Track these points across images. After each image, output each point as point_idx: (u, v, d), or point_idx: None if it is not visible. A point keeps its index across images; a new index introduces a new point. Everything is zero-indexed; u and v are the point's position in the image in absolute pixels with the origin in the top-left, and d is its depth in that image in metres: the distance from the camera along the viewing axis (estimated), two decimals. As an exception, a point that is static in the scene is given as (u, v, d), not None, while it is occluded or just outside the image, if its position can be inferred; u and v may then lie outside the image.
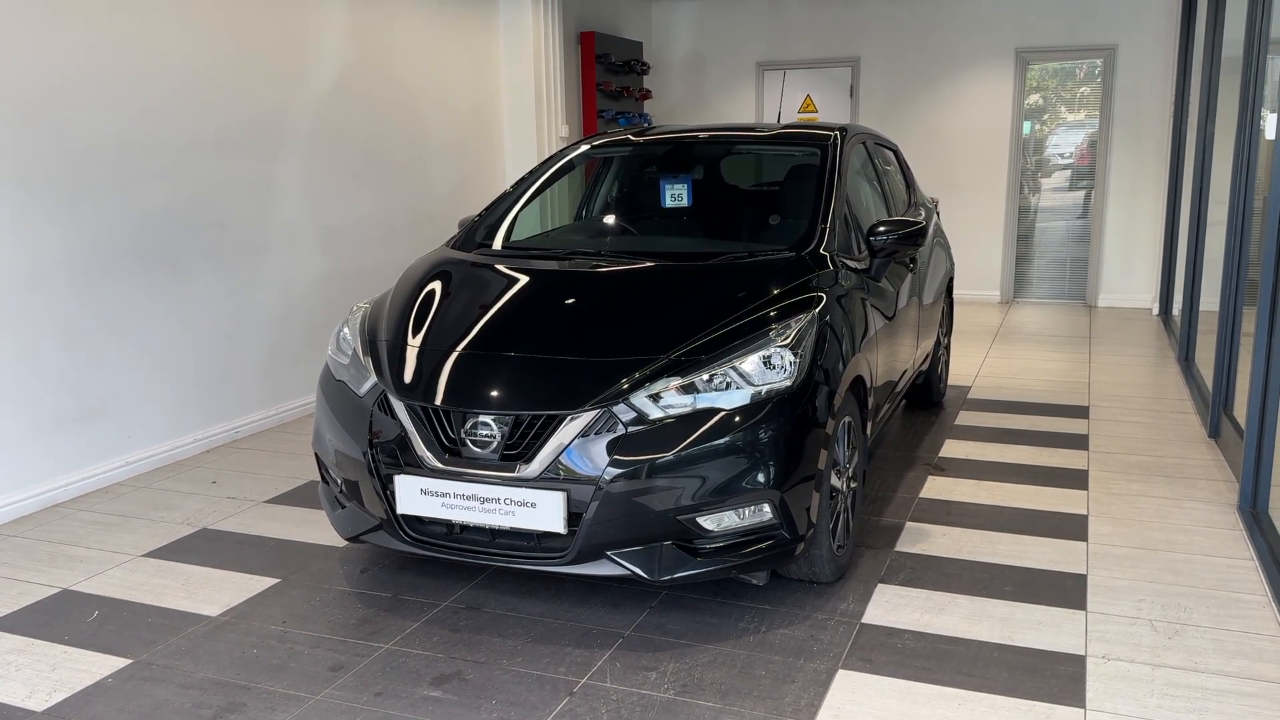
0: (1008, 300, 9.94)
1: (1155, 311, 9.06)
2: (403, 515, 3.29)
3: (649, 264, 3.84)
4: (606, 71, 9.30)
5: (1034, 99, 9.80)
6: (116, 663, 3.13)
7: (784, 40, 10.26)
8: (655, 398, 3.13)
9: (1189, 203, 7.23)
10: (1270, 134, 4.07)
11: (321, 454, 3.61)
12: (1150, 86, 9.08)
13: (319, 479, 3.72)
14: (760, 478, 3.11)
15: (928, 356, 5.46)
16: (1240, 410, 4.78)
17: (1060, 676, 2.94)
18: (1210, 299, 6.35)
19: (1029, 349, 7.66)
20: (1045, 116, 9.89)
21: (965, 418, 5.73)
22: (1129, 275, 9.49)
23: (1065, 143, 9.88)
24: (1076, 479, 4.65)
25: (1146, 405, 5.93)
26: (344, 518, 3.51)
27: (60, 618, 3.44)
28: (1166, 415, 5.71)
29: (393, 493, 3.27)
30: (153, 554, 3.97)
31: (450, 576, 3.68)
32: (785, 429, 3.16)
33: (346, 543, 3.88)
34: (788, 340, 3.28)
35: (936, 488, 4.57)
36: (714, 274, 3.75)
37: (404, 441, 3.26)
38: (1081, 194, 9.77)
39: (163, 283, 5.02)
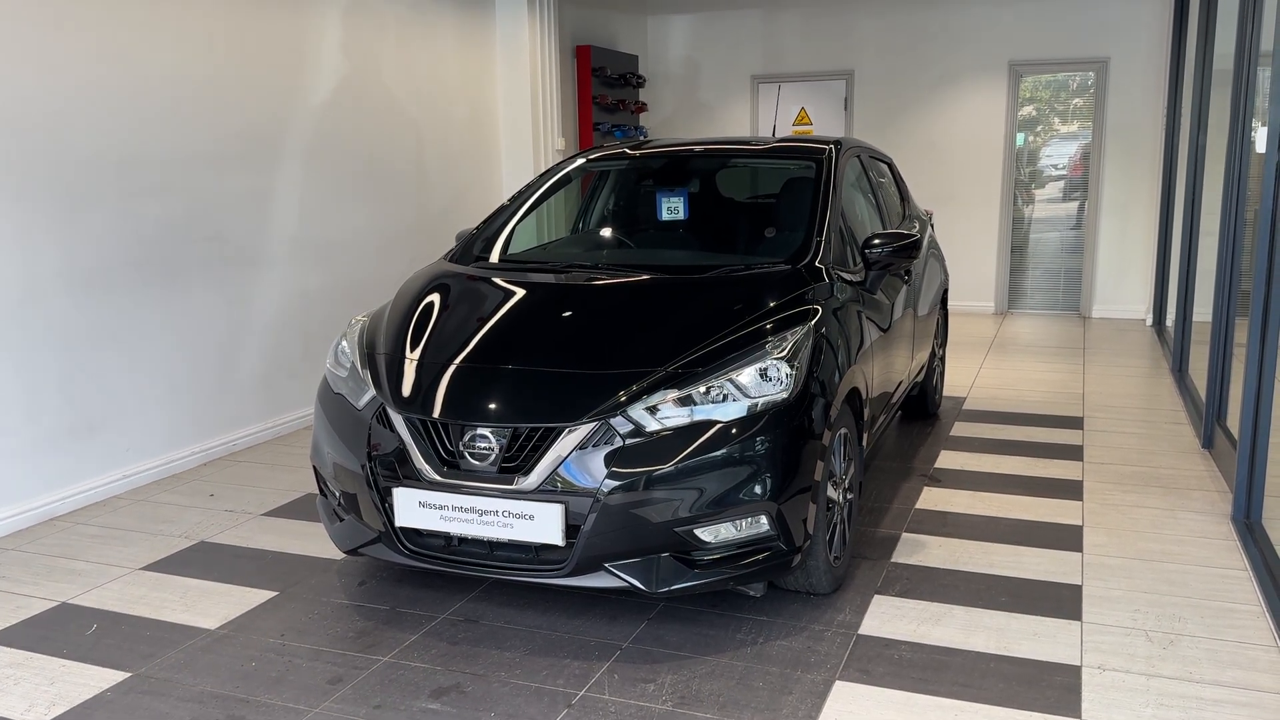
0: (1002, 311, 9.97)
1: (1149, 322, 9.10)
2: (401, 528, 3.29)
3: (645, 277, 3.87)
4: (602, 84, 9.35)
5: (1027, 111, 9.85)
6: (115, 676, 3.13)
7: (779, 53, 10.32)
8: (652, 410, 3.15)
9: (1181, 214, 7.28)
10: (1261, 146, 4.11)
11: (320, 467, 3.62)
12: (1142, 98, 9.14)
13: (317, 492, 3.73)
14: (757, 489, 3.13)
15: (923, 368, 5.48)
16: (1233, 421, 4.81)
17: (1056, 687, 2.96)
18: (1203, 310, 6.39)
19: (1023, 360, 7.69)
20: (1039, 128, 9.95)
21: (960, 429, 5.75)
22: (1122, 286, 9.53)
23: (1058, 154, 9.95)
24: (1071, 490, 4.67)
25: (1140, 416, 5.96)
26: (342, 530, 3.52)
27: (59, 631, 3.44)
28: (1160, 426, 5.74)
29: (391, 505, 3.28)
30: (151, 567, 3.97)
31: (448, 589, 3.69)
32: (781, 441, 3.18)
33: (345, 555, 3.88)
34: (784, 353, 3.30)
35: (932, 499, 4.58)
36: (710, 287, 3.77)
37: (402, 454, 3.28)
38: (1075, 205, 9.83)
39: (160, 295, 5.03)
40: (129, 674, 3.14)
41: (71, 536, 4.31)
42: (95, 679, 3.12)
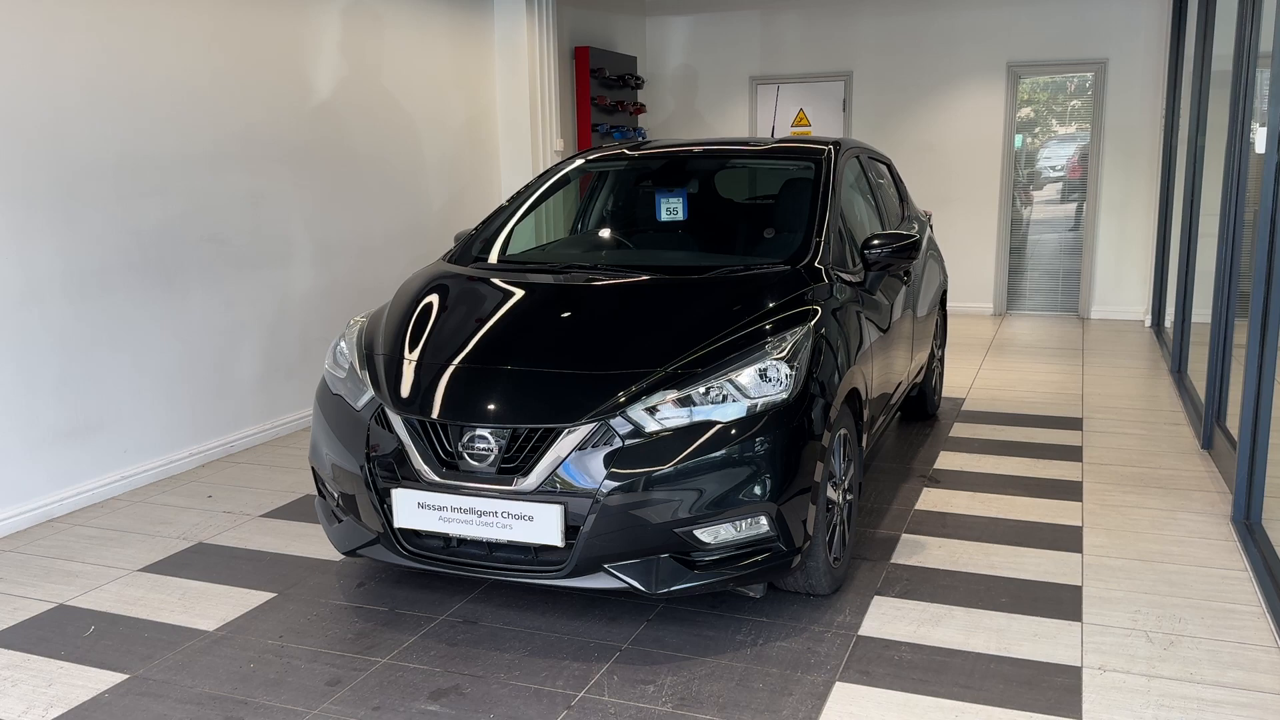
0: (1000, 313, 9.97)
1: (1147, 323, 9.10)
2: (400, 529, 3.29)
3: (645, 277, 3.86)
4: (601, 86, 9.34)
5: (1025, 112, 9.86)
6: (113, 678, 3.12)
7: (777, 55, 10.32)
8: (652, 410, 3.14)
9: (1180, 215, 7.28)
10: (1260, 148, 4.11)
11: (318, 468, 3.61)
12: (1141, 100, 9.15)
13: (315, 493, 3.72)
14: (757, 490, 3.12)
15: (922, 369, 5.48)
16: (1232, 422, 4.80)
17: (1056, 688, 2.95)
18: (1202, 311, 6.38)
19: (1022, 361, 7.69)
20: (1036, 130, 9.95)
21: (960, 430, 5.75)
22: (1121, 287, 9.53)
23: (1056, 156, 9.94)
24: (1071, 491, 4.66)
25: (1140, 417, 5.96)
26: (341, 532, 3.51)
27: (56, 633, 3.43)
28: (1160, 427, 5.73)
29: (390, 506, 3.27)
30: (149, 569, 3.96)
31: (447, 590, 3.68)
32: (781, 441, 3.17)
33: (343, 557, 3.87)
34: (783, 353, 3.29)
35: (932, 500, 4.58)
36: (709, 287, 3.76)
37: (401, 455, 3.27)
38: (1073, 207, 9.82)
39: (158, 297, 5.02)
40: (127, 676, 3.13)
41: (69, 538, 4.30)
42: (93, 681, 3.11)
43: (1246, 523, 4.11)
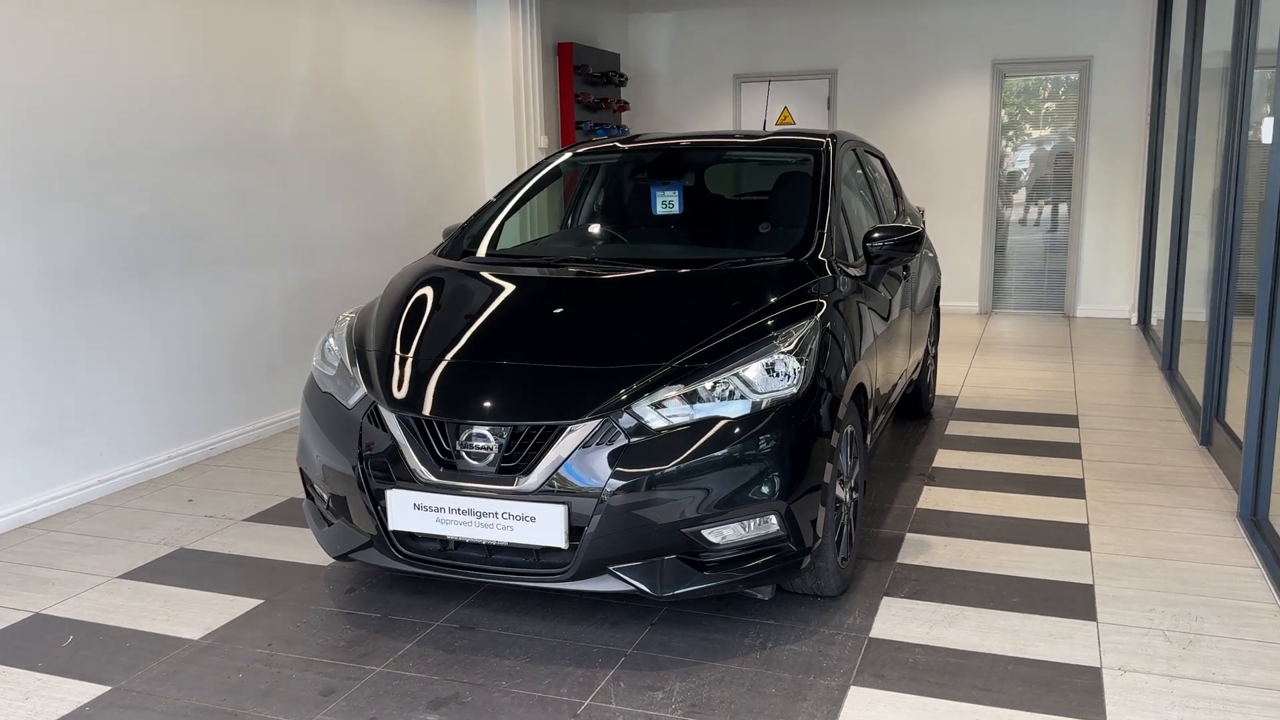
0: (987, 311, 9.94)
1: (1134, 321, 9.09)
2: (394, 531, 3.16)
3: (648, 270, 3.75)
4: (584, 83, 9.23)
5: (1010, 111, 9.84)
6: (94, 690, 2.97)
7: (762, 52, 10.24)
8: (657, 407, 3.03)
9: (1171, 213, 7.25)
10: (1267, 138, 4.05)
11: (307, 469, 3.47)
12: (1126, 97, 9.14)
13: (303, 495, 3.58)
14: (766, 489, 3.01)
15: (918, 365, 5.40)
16: (1231, 418, 4.75)
17: (1078, 689, 2.87)
18: (1193, 308, 6.35)
19: (1012, 359, 7.64)
20: (1021, 129, 9.93)
21: (955, 427, 5.68)
22: (1107, 285, 9.52)
23: (1041, 155, 9.92)
24: (1073, 488, 4.59)
25: (1134, 414, 5.91)
26: (331, 535, 3.37)
27: (33, 643, 3.27)
28: (1155, 423, 5.68)
29: (384, 508, 3.14)
30: (129, 575, 3.81)
31: (441, 595, 3.55)
32: (791, 438, 3.07)
33: (332, 561, 3.74)
34: (791, 347, 3.19)
35: (933, 498, 4.49)
36: (713, 280, 3.66)
37: (396, 454, 3.14)
38: (1059, 205, 9.80)
39: (137, 295, 4.86)
40: (109, 687, 2.98)
41: (45, 544, 4.13)
42: (73, 693, 2.96)
43: (1254, 519, 4.05)
